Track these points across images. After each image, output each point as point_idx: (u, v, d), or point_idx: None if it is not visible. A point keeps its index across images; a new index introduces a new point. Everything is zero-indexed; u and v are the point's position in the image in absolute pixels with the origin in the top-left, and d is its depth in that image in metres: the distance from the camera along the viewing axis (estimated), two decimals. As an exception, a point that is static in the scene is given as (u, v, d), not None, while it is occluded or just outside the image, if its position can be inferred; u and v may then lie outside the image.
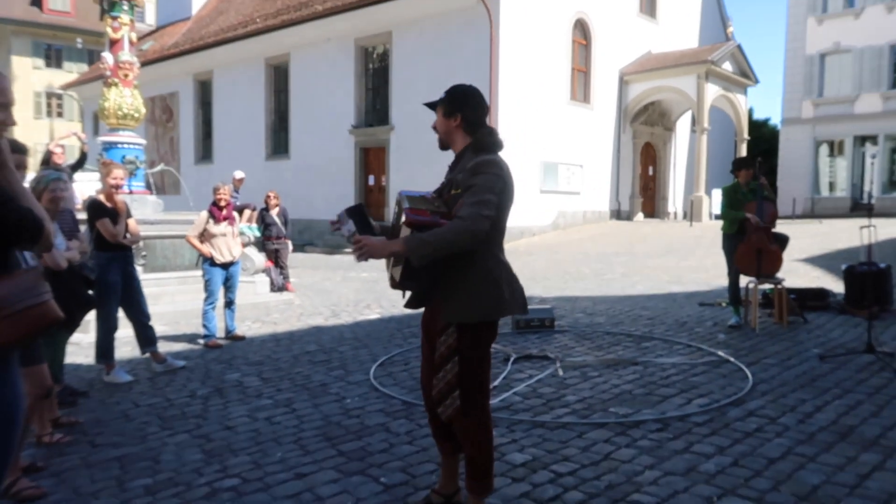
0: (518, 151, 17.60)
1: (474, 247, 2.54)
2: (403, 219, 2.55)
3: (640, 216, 22.61)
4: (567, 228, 19.82)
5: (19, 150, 3.42)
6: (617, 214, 22.04)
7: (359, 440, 3.86)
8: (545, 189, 19.06)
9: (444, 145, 2.82)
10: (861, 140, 24.99)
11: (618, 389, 4.77)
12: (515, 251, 16.04)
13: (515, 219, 18.34)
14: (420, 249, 2.48)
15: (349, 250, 18.25)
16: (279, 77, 23.26)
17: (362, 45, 20.58)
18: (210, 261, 6.52)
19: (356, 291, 10.34)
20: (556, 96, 19.47)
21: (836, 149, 26.09)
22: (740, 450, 3.61)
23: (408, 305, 2.85)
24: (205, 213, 6.59)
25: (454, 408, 2.65)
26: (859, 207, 23.85)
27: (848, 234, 13.51)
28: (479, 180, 2.55)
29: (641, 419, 4.11)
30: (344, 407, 4.49)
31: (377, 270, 12.51)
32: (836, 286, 8.33)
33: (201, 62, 25.34)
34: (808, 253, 12.34)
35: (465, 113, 2.72)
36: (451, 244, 2.48)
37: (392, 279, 2.72)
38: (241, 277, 7.33)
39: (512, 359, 5.64)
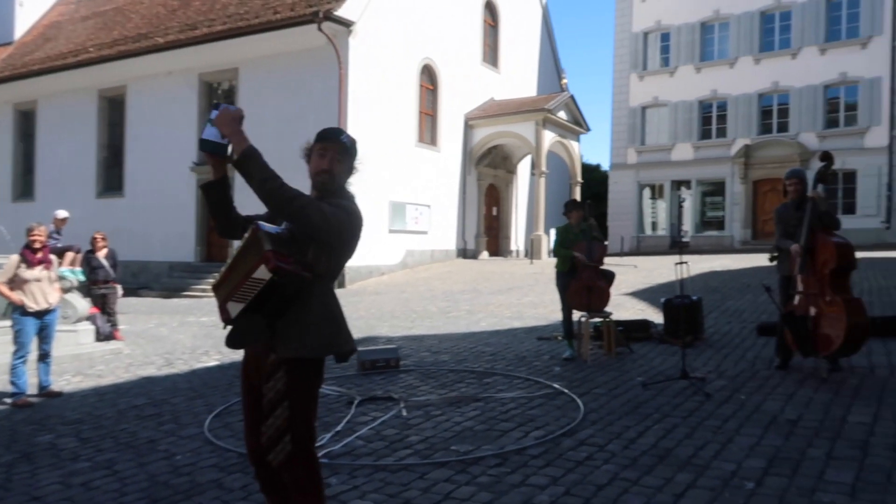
0: (367, 191, 17.68)
1: (300, 218, 2.44)
2: (266, 264, 2.33)
3: (485, 254, 23.44)
4: (415, 267, 20.10)
5: None
6: (463, 253, 22.69)
7: (188, 500, 3.61)
8: (393, 229, 19.27)
9: (323, 186, 2.68)
10: (677, 184, 27.72)
11: (460, 427, 4.84)
12: (363, 290, 15.99)
13: (364, 258, 18.56)
14: (252, 168, 2.38)
15: (189, 293, 17.26)
16: (114, 109, 21.82)
17: (207, 80, 19.88)
18: (21, 309, 5.90)
19: (193, 337, 9.77)
20: (404, 138, 19.88)
21: (656, 192, 28.75)
22: (572, 479, 3.77)
23: (230, 344, 2.72)
24: (16, 257, 5.98)
25: (285, 453, 2.55)
26: (676, 245, 26.36)
27: (667, 269, 14.84)
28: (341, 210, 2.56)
29: (481, 455, 4.19)
30: (173, 464, 4.18)
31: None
32: (658, 317, 9.06)
33: (23, 91, 23.23)
34: (634, 287, 13.38)
35: (350, 164, 2.79)
36: (285, 196, 2.39)
37: (225, 312, 2.58)
38: (61, 326, 6.69)
39: (356, 402, 5.56)
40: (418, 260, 20.46)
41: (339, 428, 4.85)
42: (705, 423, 4.71)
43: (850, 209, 23.65)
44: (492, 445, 4.39)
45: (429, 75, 21.34)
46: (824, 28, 24.79)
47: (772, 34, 26.02)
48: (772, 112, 25.89)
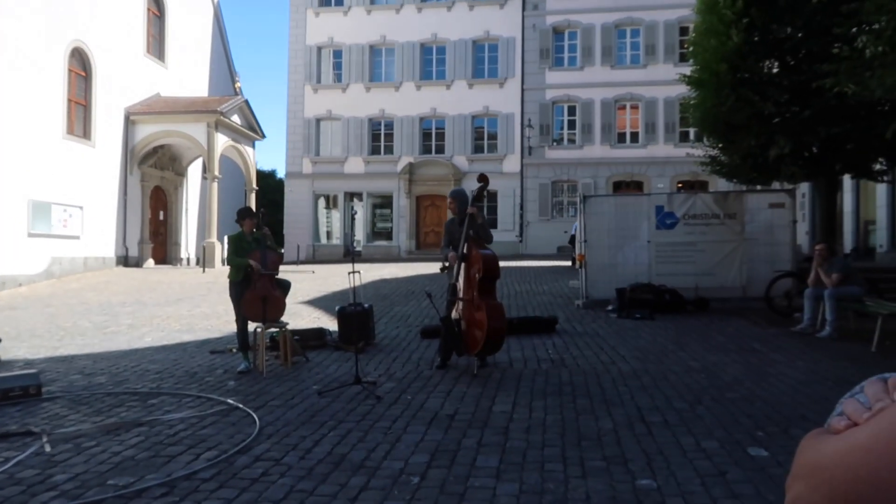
0: (-2, 188, 14.99)
1: None
2: None
3: (150, 262, 21.57)
4: (64, 277, 17.57)
5: None
6: (125, 261, 20.56)
7: None
8: (35, 232, 16.60)
9: None
10: (351, 195, 28.99)
11: (119, 457, 4.35)
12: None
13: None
14: None
15: None
16: None
17: None
18: None
19: None
20: (48, 128, 17.26)
21: (331, 202, 29.65)
22: (247, 498, 3.65)
23: None
24: None
25: None
26: (350, 254, 27.51)
27: (342, 277, 15.36)
28: None
29: (145, 486, 3.82)
30: None
31: None
32: (333, 325, 9.31)
33: None
34: (309, 295, 13.56)
35: None
36: None
37: None
38: None
39: (-19, 441, 4.64)
40: (68, 269, 17.91)
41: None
42: (377, 426, 4.97)
43: (493, 224, 27.32)
44: (157, 474, 4.03)
45: (80, 59, 18.90)
46: (472, 66, 28.39)
47: (431, 65, 28.88)
48: (431, 134, 28.69)
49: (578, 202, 11.87)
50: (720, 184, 22.04)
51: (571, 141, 28.03)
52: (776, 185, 13.66)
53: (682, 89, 18.53)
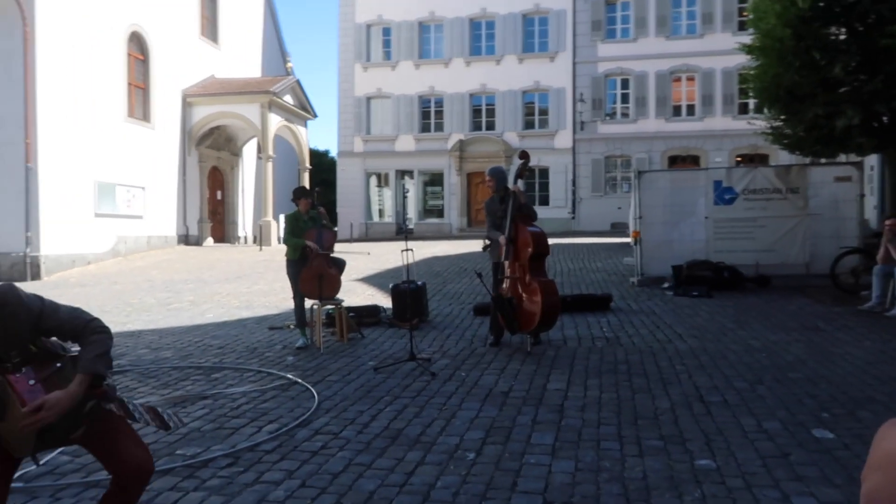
0: (66, 170, 15.59)
1: None
2: None
3: (209, 241, 22.19)
4: (129, 255, 18.25)
5: None
6: (185, 239, 21.21)
7: None
8: (102, 212, 17.24)
9: None
10: (402, 173, 29.11)
11: (186, 429, 4.52)
12: (66, 282, 14.10)
13: (65, 245, 16.37)
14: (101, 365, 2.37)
15: None
16: None
17: None
18: None
19: None
20: (111, 112, 17.83)
21: (382, 180, 29.85)
22: (308, 470, 3.76)
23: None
24: None
25: None
26: (402, 232, 27.72)
27: (395, 255, 15.51)
28: None
29: (211, 457, 3.97)
30: None
31: None
32: (387, 302, 9.43)
33: None
34: (364, 273, 13.75)
35: None
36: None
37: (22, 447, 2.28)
38: None
39: (59, 412, 4.88)
40: (133, 247, 18.59)
41: (37, 445, 4.22)
42: (432, 402, 5.02)
43: (544, 201, 27.12)
44: (222, 445, 4.18)
45: (138, 43, 19.40)
46: (521, 40, 27.91)
47: (480, 40, 28.55)
48: (481, 111, 28.47)
49: (633, 177, 11.63)
50: (781, 157, 21.28)
51: (625, 115, 27.38)
52: (842, 157, 13.09)
53: (741, 59, 17.81)
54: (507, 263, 6.73)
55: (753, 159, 24.61)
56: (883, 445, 0.44)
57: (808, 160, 14.12)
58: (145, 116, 19.68)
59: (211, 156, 22.83)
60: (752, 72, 13.34)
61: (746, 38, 13.29)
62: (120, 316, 9.84)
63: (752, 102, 20.35)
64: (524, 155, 6.82)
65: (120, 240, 18.10)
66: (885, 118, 11.06)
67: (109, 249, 17.66)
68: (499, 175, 7.04)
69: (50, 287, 13.06)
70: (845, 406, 4.68)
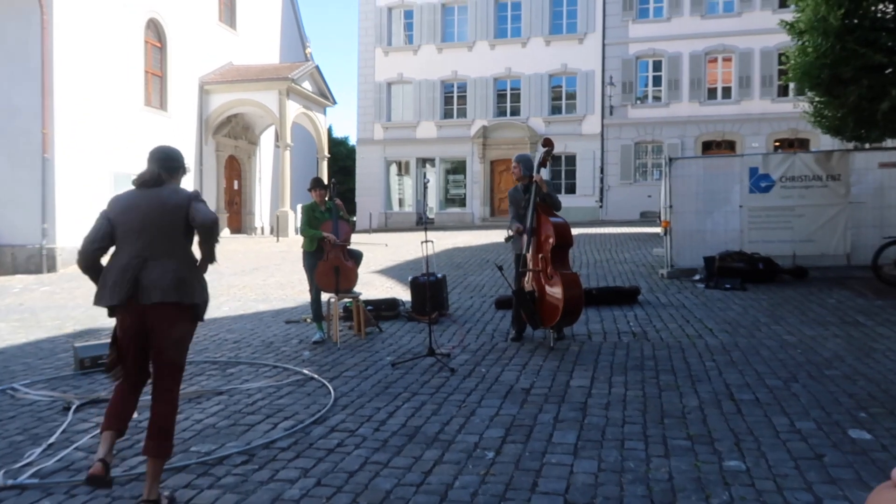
0: (82, 160, 15.60)
1: None
2: None
3: (226, 232, 22.20)
4: (150, 245, 18.27)
5: None
6: (203, 229, 21.21)
7: None
8: (120, 203, 17.23)
9: None
10: (423, 161, 28.85)
11: (200, 425, 4.45)
12: (82, 275, 14.12)
13: (82, 237, 16.13)
14: None
15: None
16: None
17: None
18: None
19: None
20: (128, 101, 17.82)
21: (403, 168, 29.64)
22: (323, 468, 3.66)
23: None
24: None
25: None
26: (422, 222, 27.50)
27: (415, 246, 15.38)
28: None
29: (226, 454, 3.88)
30: None
31: None
32: (406, 294, 9.30)
33: None
34: (382, 265, 13.62)
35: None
36: None
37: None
38: None
39: (73, 407, 4.84)
40: (151, 237, 18.59)
41: (52, 440, 4.18)
42: (451, 399, 4.89)
43: (571, 189, 26.66)
44: (237, 442, 4.10)
45: (155, 30, 19.34)
46: (549, 21, 27.36)
47: (505, 22, 28.03)
48: (506, 96, 28.04)
49: (664, 164, 11.30)
50: (823, 142, 20.64)
51: (657, 98, 26.63)
52: (888, 142, 12.59)
53: (782, 39, 17.02)
54: (528, 255, 6.55)
55: (793, 144, 23.90)
56: None
57: (851, 146, 13.58)
58: (162, 105, 19.65)
59: (228, 144, 22.80)
60: (794, 52, 12.75)
61: (788, 16, 12.68)
62: (139, 306, 9.80)
63: (792, 85, 19.61)
64: (548, 142, 6.60)
65: (140, 229, 18.10)
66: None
67: (129, 239, 17.65)
68: (526, 162, 6.82)
69: (66, 279, 13.11)
70: (885, 405, 4.47)
